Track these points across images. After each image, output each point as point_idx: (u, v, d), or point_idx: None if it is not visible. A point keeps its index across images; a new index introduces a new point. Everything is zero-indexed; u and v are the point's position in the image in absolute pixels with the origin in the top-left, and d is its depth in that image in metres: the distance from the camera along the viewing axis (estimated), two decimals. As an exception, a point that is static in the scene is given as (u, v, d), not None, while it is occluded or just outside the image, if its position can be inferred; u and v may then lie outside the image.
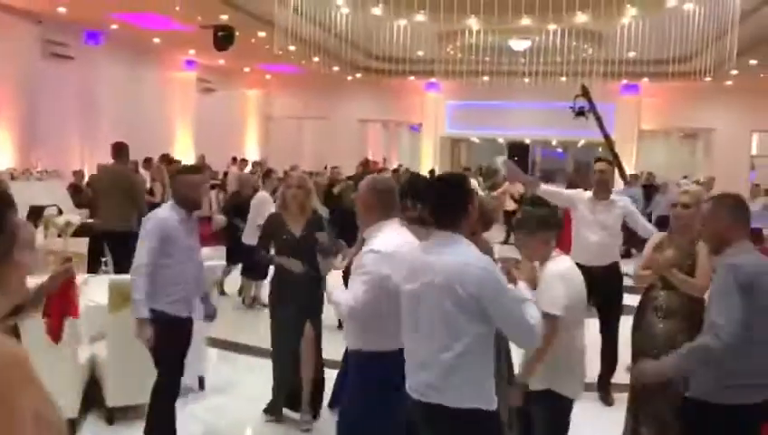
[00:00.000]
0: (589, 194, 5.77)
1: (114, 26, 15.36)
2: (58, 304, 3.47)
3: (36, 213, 8.64)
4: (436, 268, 2.77)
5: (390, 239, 3.29)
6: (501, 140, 27.48)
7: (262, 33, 15.62)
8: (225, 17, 14.22)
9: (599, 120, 14.26)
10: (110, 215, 7.74)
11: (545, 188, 5.89)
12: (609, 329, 5.77)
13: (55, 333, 3.57)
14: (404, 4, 14.66)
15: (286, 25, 13.76)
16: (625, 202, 5.82)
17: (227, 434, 5.10)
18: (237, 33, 14.48)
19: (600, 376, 5.77)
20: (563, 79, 17.49)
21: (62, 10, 13.75)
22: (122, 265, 6.64)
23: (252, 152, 23.46)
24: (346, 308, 3.24)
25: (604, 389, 5.78)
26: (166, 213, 4.27)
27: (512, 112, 22.57)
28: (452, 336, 2.72)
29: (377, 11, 15.24)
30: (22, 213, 8.60)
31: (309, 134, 24.59)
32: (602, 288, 5.33)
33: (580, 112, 14.64)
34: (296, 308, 4.94)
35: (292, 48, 15.38)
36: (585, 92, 14.25)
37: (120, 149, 8.06)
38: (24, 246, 1.51)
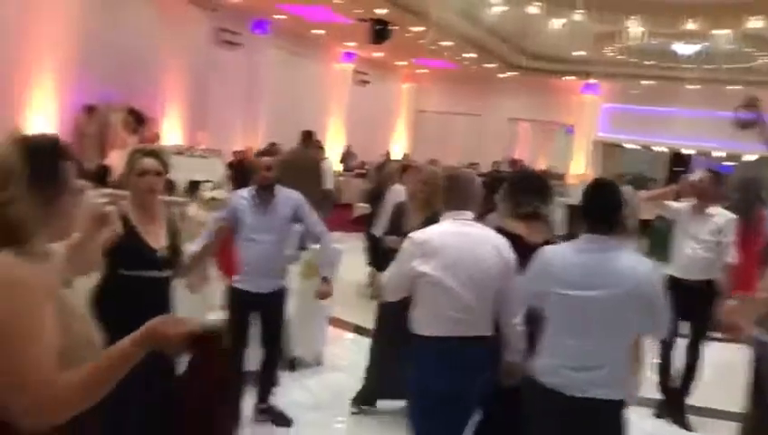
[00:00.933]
0: (689, 205, 5.57)
1: (279, 16, 16.25)
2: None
3: (193, 187, 9.42)
4: (611, 275, 2.94)
5: (433, 228, 3.46)
6: (659, 148, 26.12)
7: (417, 29, 15.90)
8: (382, 11, 14.62)
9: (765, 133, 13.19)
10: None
11: (647, 195, 5.90)
12: (694, 347, 5.52)
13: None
14: (562, 3, 14.36)
15: (441, 21, 13.92)
16: (725, 218, 5.48)
17: (337, 408, 5.35)
18: (394, 28, 14.84)
19: (678, 392, 5.55)
20: (733, 87, 16.35)
21: (233, 0, 14.79)
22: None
23: (400, 145, 23.92)
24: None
25: (680, 408, 5.56)
26: (243, 193, 4.73)
27: (673, 120, 21.38)
28: (625, 335, 3.00)
29: (533, 9, 15.02)
30: (181, 187, 9.45)
31: (458, 130, 24.64)
32: (693, 303, 5.15)
33: (746, 124, 13.62)
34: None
35: (446, 44, 15.53)
36: (753, 103, 13.24)
37: (308, 136, 9.94)
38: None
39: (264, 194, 4.62)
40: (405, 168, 10.83)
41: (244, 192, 4.71)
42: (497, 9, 15.15)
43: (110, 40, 13.17)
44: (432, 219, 5.07)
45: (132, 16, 13.80)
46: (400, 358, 3.52)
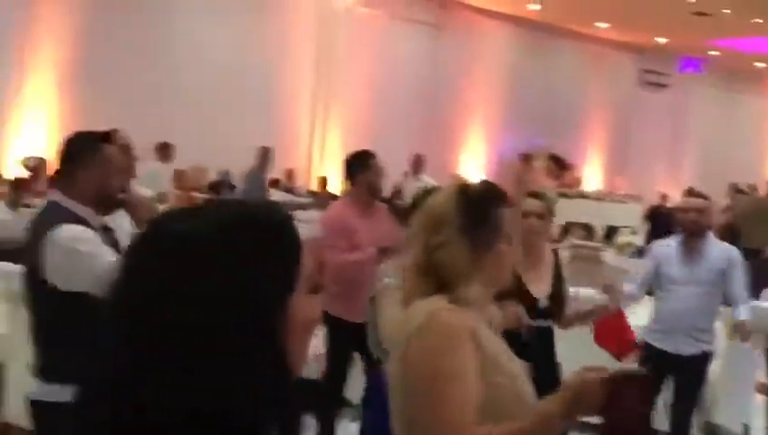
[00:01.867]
0: None
1: (713, 53, 15.13)
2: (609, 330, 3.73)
3: (611, 233, 9.26)
4: None
5: None
6: None
7: None
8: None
9: None
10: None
11: None
12: None
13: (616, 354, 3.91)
14: None
15: None
16: None
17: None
18: None
19: None
20: None
21: (661, 40, 14.27)
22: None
23: None
24: None
25: None
26: (666, 241, 4.24)
27: None
28: None
29: None
30: (599, 232, 9.35)
31: None
32: None
33: None
34: None
35: None
36: None
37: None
38: (508, 244, 1.73)
39: (693, 242, 4.22)
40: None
41: (669, 240, 4.40)
42: None
43: (540, 86, 13.91)
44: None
45: (563, 63, 14.35)
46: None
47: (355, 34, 12.08)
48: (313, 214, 7.83)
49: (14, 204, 5.83)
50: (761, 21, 11.94)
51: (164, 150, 8.95)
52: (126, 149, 2.58)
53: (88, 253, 2.12)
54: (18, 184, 6.16)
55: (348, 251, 3.62)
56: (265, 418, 0.81)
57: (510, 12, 13.34)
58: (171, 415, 0.75)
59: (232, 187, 10.33)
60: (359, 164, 3.80)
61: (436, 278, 1.63)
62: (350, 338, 3.53)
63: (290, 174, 11.39)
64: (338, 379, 3.87)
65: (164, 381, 0.75)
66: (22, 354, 3.57)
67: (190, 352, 0.75)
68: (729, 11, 11.56)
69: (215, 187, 9.69)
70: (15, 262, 3.81)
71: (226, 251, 0.79)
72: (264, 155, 9.08)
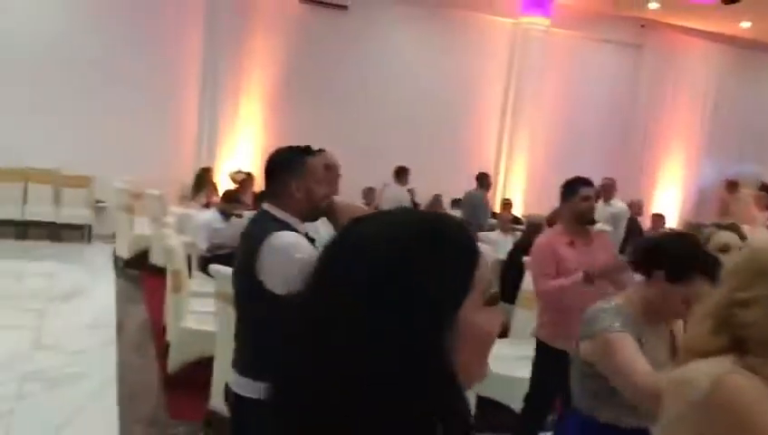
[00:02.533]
0: None
1: None
2: None
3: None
4: None
5: None
6: None
7: None
8: None
9: None
10: None
11: None
12: None
13: None
14: None
15: None
16: None
17: None
18: None
19: None
20: None
21: None
22: None
23: None
24: None
25: None
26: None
27: None
28: None
29: None
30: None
31: None
32: None
33: None
34: None
35: None
36: None
37: None
38: None
39: None
40: None
41: None
42: None
43: (747, 108, 12.96)
44: None
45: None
46: None
47: (549, 56, 11.93)
48: (493, 236, 7.84)
49: (225, 214, 6.39)
50: None
51: (401, 173, 9.70)
52: (332, 168, 2.71)
53: (301, 259, 2.23)
54: (228, 196, 6.71)
55: (554, 278, 3.58)
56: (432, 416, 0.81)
57: (718, 30, 12.49)
58: (350, 411, 0.78)
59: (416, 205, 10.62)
60: (568, 191, 3.75)
61: (729, 337, 1.45)
62: (554, 365, 3.45)
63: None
64: (540, 406, 3.80)
65: (341, 378, 0.79)
66: (228, 349, 3.96)
67: (361, 349, 0.78)
68: None
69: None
70: (228, 265, 4.22)
71: (405, 257, 0.81)
72: (482, 179, 9.86)
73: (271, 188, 2.47)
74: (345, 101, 11.00)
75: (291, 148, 2.53)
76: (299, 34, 10.84)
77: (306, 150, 2.51)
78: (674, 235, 3.49)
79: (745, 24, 11.97)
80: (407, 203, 9.23)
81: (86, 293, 6.98)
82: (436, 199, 10.92)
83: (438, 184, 11.04)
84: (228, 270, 4.57)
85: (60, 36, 9.59)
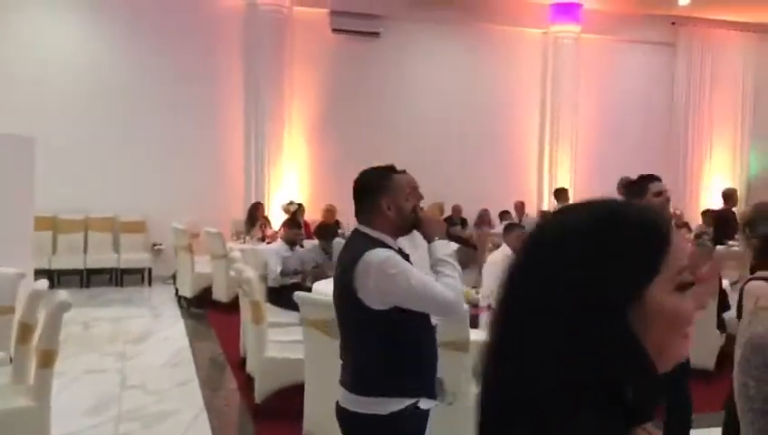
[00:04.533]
0: None
1: None
2: None
3: None
4: None
5: None
6: None
7: None
8: None
9: None
10: None
11: None
12: None
13: None
14: None
15: None
16: None
17: None
18: None
19: None
20: None
21: None
22: None
23: None
24: None
25: None
26: None
27: None
28: None
29: None
30: None
31: None
32: None
33: None
34: None
35: None
36: None
37: None
38: None
39: None
40: None
41: None
42: None
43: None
44: None
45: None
46: None
47: (582, 63, 11.96)
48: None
49: (291, 243, 6.58)
50: None
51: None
52: (416, 188, 2.78)
53: (398, 273, 2.32)
54: (290, 223, 6.92)
55: None
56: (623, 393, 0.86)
57: (751, 20, 12.41)
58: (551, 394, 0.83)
59: (464, 221, 10.68)
60: (637, 190, 3.69)
61: None
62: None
63: (520, 206, 11.48)
64: None
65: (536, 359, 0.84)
66: (317, 375, 4.04)
67: (554, 333, 0.84)
68: None
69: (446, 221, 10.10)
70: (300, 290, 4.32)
71: (596, 242, 0.86)
72: (560, 194, 10.33)
73: (362, 208, 2.54)
74: (384, 124, 11.14)
75: (376, 168, 2.60)
76: (335, 64, 11.05)
77: (392, 169, 2.59)
78: None
79: (779, 11, 11.89)
80: None
81: (157, 333, 7.15)
82: (485, 213, 10.98)
83: (484, 198, 11.10)
84: (312, 296, 4.69)
85: (110, 84, 9.92)
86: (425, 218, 2.58)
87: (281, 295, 6.18)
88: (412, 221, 2.55)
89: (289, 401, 4.51)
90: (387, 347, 2.41)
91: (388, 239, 2.49)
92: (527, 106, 12.13)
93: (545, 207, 11.65)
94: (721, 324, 5.70)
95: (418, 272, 2.40)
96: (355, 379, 2.43)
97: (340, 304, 2.52)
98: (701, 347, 5.42)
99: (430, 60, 11.48)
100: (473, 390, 3.81)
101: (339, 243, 7.45)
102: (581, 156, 12.09)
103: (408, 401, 2.39)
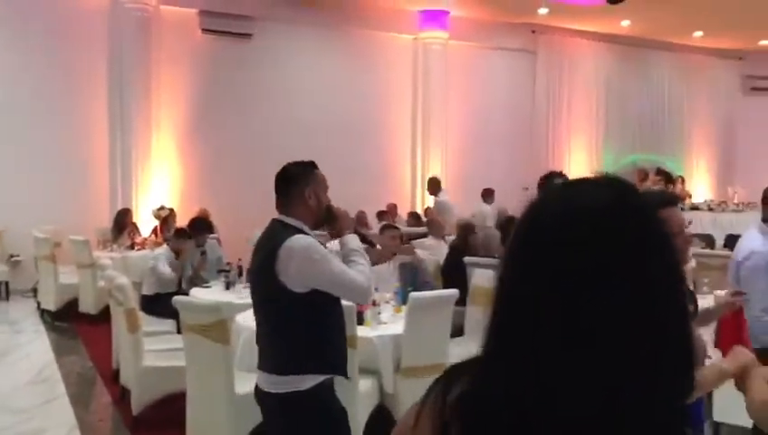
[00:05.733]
0: None
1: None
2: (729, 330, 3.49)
3: (730, 242, 8.99)
4: None
5: None
6: None
7: None
8: None
9: None
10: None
11: None
12: None
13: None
14: None
15: None
16: None
17: None
18: None
19: None
20: None
21: (764, 42, 13.87)
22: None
23: None
24: None
25: None
26: None
27: None
28: None
29: None
30: (719, 241, 9.10)
31: None
32: None
33: None
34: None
35: None
36: None
37: None
38: None
39: None
40: None
41: None
42: None
43: (640, 101, 13.92)
44: None
45: (661, 76, 14.33)
46: None
47: (450, 69, 12.35)
48: (427, 242, 8.05)
49: (176, 252, 6.39)
50: None
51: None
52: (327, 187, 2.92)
53: (320, 259, 2.51)
54: (179, 233, 6.68)
55: None
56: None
57: (602, 30, 13.33)
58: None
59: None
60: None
61: None
62: None
63: (392, 208, 11.73)
64: None
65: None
66: (199, 380, 3.93)
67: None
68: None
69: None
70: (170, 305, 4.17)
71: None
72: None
73: (284, 197, 2.69)
74: (258, 128, 11.00)
75: (298, 162, 2.78)
76: (205, 65, 10.78)
77: (313, 164, 2.78)
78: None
79: (625, 23, 12.84)
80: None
81: (18, 350, 6.67)
82: (362, 215, 11.08)
83: (359, 201, 11.20)
84: (191, 300, 4.55)
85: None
86: (338, 213, 2.80)
87: (155, 303, 5.97)
88: (326, 215, 2.74)
89: (169, 410, 4.36)
90: (306, 328, 2.57)
91: (305, 228, 2.65)
92: (400, 110, 12.37)
93: (418, 209, 11.94)
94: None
95: (337, 259, 2.61)
96: (276, 361, 2.56)
97: (261, 289, 2.66)
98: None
99: (304, 63, 11.45)
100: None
101: (212, 243, 7.27)
102: (452, 158, 12.48)
103: (322, 377, 2.56)
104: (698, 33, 13.53)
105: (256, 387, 2.64)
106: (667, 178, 12.24)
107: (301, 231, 2.60)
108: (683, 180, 12.86)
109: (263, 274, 2.58)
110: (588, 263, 0.79)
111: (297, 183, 2.68)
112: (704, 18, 12.23)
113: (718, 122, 14.84)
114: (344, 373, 2.67)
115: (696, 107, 14.67)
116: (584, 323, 0.78)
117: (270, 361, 2.59)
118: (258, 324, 2.70)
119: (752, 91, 15.06)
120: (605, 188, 0.85)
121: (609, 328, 0.78)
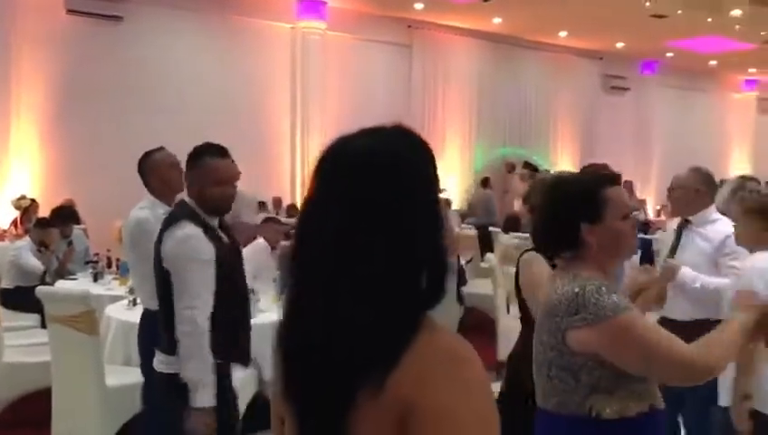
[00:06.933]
0: None
1: (670, 54, 15.76)
2: None
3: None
4: None
5: None
6: None
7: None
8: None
9: None
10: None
11: None
12: None
13: None
14: None
15: None
16: None
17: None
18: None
19: None
20: None
21: (620, 45, 14.87)
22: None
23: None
24: None
25: None
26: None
27: None
28: None
29: None
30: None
31: None
32: None
33: None
34: None
35: None
36: None
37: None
38: None
39: None
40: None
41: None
42: None
43: (509, 97, 14.49)
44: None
45: (529, 73, 14.95)
46: None
47: (328, 59, 12.35)
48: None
49: (41, 244, 6.04)
50: (710, 20, 12.52)
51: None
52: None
53: (193, 248, 2.60)
54: (40, 223, 6.32)
55: None
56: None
57: (475, 27, 13.78)
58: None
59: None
60: None
61: None
62: None
63: (277, 201, 11.66)
64: None
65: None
66: (67, 374, 3.76)
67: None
68: (681, 11, 12.10)
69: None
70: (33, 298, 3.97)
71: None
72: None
73: (186, 181, 2.87)
74: (129, 115, 10.51)
75: (203, 145, 2.87)
76: (70, 48, 10.19)
77: (221, 150, 2.90)
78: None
79: (497, 20, 13.35)
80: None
81: None
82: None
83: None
84: (57, 290, 4.33)
85: None
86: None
87: (15, 297, 5.63)
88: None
89: (33, 407, 4.15)
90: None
91: (199, 210, 2.71)
92: (277, 97, 12.22)
93: (298, 201, 11.89)
94: (460, 297, 6.38)
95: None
96: (167, 340, 2.62)
97: (157, 272, 2.70)
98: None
99: (178, 48, 11.09)
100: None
101: (78, 233, 6.92)
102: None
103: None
104: (563, 33, 14.29)
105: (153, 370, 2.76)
106: (533, 170, 12.84)
107: (194, 214, 2.74)
108: (548, 173, 13.54)
109: (156, 256, 2.76)
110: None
111: (190, 168, 2.85)
112: (568, 19, 12.93)
113: (580, 118, 15.76)
114: (239, 360, 2.87)
115: (560, 103, 15.50)
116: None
117: (165, 342, 2.68)
118: (160, 307, 2.76)
119: (611, 90, 16.13)
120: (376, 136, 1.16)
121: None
